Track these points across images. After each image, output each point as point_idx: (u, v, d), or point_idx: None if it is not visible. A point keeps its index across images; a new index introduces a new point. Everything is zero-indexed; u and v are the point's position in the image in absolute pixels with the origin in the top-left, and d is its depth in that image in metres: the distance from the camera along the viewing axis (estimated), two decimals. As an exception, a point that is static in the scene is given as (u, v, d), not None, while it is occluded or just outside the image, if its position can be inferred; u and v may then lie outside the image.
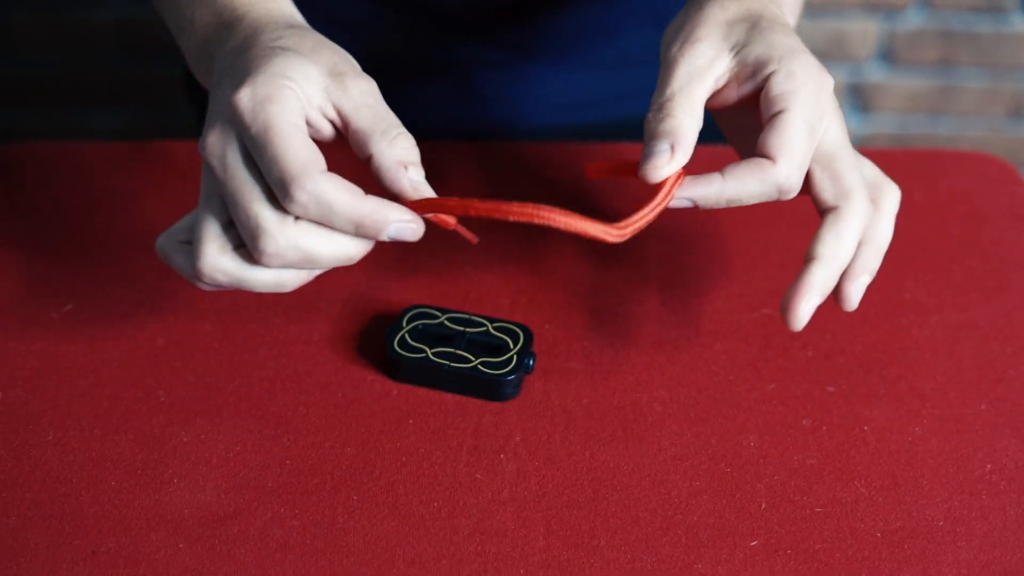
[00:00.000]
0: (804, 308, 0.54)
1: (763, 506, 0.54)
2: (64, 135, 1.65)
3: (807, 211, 0.72)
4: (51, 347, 0.62)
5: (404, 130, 0.53)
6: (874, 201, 0.59)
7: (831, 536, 0.53)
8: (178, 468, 0.55)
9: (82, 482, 0.55)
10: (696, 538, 0.53)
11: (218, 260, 0.52)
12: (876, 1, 1.56)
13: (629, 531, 0.53)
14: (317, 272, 0.53)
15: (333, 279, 0.65)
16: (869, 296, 0.66)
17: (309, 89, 0.52)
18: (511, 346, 0.60)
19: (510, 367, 0.59)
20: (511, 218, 0.50)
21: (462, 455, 0.56)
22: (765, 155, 0.54)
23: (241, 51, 0.54)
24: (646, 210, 0.53)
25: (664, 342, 0.63)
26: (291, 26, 0.57)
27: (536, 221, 0.50)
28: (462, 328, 0.61)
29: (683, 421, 0.58)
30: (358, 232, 0.51)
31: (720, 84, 0.57)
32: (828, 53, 1.61)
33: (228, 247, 0.52)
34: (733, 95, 0.58)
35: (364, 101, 0.53)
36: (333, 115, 0.53)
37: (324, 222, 0.50)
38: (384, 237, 0.51)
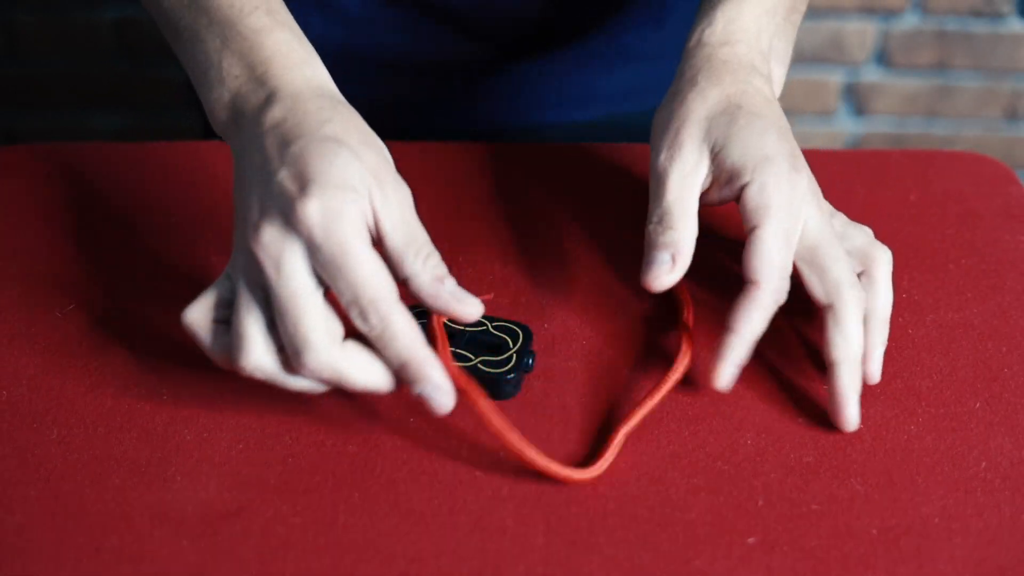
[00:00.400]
0: (852, 412, 0.58)
1: (760, 503, 0.55)
2: (65, 136, 1.65)
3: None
4: (54, 346, 0.62)
5: (432, 247, 0.55)
6: (867, 272, 0.62)
7: (828, 533, 0.53)
8: (181, 466, 0.56)
9: (85, 480, 0.55)
10: (694, 535, 0.53)
11: (261, 360, 0.54)
12: (873, 3, 1.57)
13: (627, 529, 0.53)
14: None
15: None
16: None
17: (364, 203, 0.54)
18: (510, 345, 0.60)
19: (509, 366, 0.59)
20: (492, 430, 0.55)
21: (462, 453, 0.57)
22: (749, 278, 0.58)
23: (289, 137, 0.55)
24: (622, 433, 0.57)
25: (663, 341, 0.64)
26: (324, 95, 0.58)
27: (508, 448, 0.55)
28: (461, 327, 0.61)
29: (681, 419, 0.59)
30: (400, 371, 0.53)
31: (704, 187, 0.62)
32: (825, 54, 1.61)
33: (272, 349, 0.54)
34: (715, 198, 0.62)
35: (401, 216, 0.55)
36: (370, 224, 0.54)
37: (380, 347, 0.53)
38: (415, 390, 0.53)
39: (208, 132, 0.76)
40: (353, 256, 0.52)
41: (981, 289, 0.67)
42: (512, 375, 0.59)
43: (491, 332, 0.61)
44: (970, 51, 1.61)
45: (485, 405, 0.55)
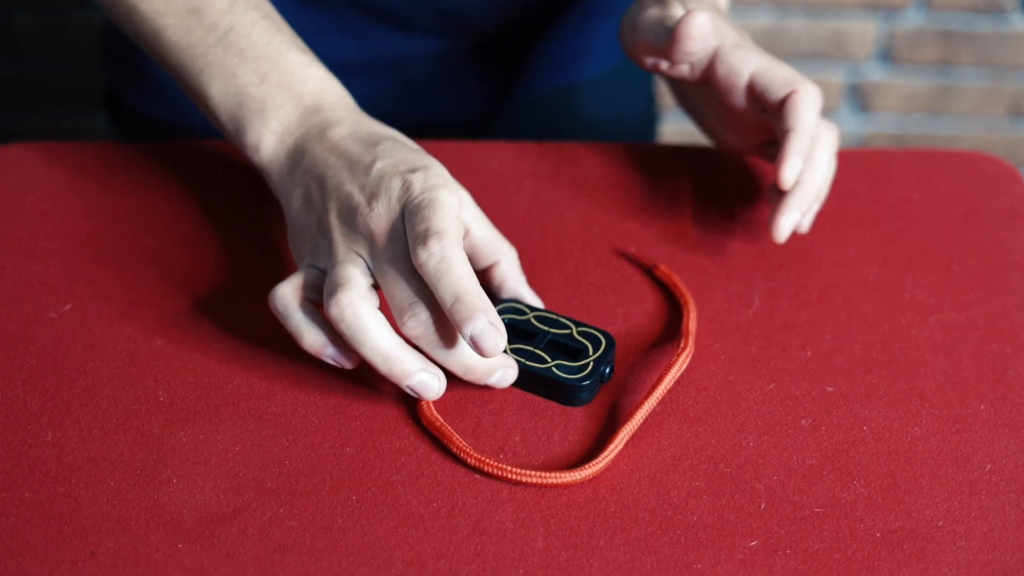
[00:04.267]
0: (788, 221, 0.64)
1: (762, 506, 0.54)
2: (65, 136, 1.65)
3: (806, 211, 0.72)
4: (50, 347, 0.62)
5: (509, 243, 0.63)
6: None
7: (830, 536, 0.53)
8: (177, 468, 0.55)
9: (81, 482, 0.55)
10: (695, 538, 0.53)
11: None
12: (876, 1, 1.57)
13: (628, 531, 0.53)
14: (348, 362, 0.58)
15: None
16: (868, 296, 0.66)
17: (458, 190, 0.59)
18: (590, 352, 0.59)
19: (585, 372, 0.59)
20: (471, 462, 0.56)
21: (461, 455, 0.56)
22: (786, 90, 0.64)
23: (372, 140, 0.61)
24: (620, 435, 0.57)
25: (663, 342, 0.63)
26: (373, 118, 0.64)
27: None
28: (546, 328, 0.61)
29: (682, 421, 0.58)
30: (453, 307, 0.54)
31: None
32: (828, 53, 1.61)
33: (305, 295, 0.58)
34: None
35: (481, 214, 0.62)
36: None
37: (435, 279, 0.54)
38: (466, 330, 0.54)
39: (214, 133, 0.76)
40: (442, 208, 0.56)
41: (985, 289, 0.67)
42: (588, 382, 0.58)
43: (574, 336, 0.60)
44: (974, 49, 1.60)
45: (460, 443, 0.56)
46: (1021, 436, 0.58)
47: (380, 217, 0.57)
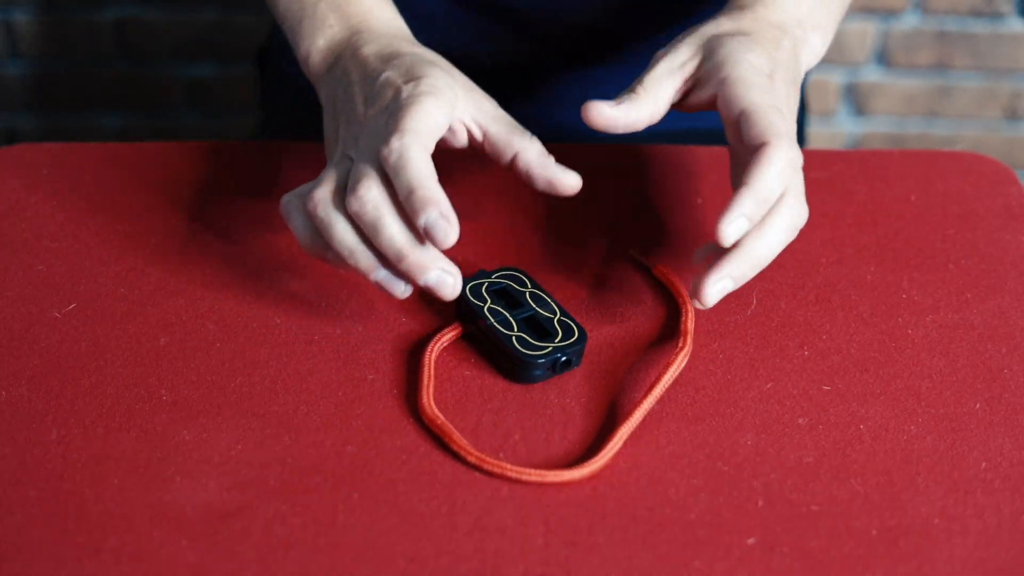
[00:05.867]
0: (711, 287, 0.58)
1: (760, 504, 0.55)
2: (66, 136, 1.65)
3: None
4: (54, 346, 0.62)
5: (532, 134, 0.63)
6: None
7: (827, 534, 0.53)
8: (180, 466, 0.56)
9: (85, 480, 0.55)
10: (693, 536, 0.53)
11: (324, 194, 0.59)
12: (873, 3, 1.57)
13: (627, 529, 0.53)
14: (368, 268, 0.59)
15: (336, 280, 0.66)
16: (865, 295, 0.66)
17: (449, 107, 0.61)
18: (558, 338, 0.61)
19: (540, 353, 0.60)
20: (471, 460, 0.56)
21: (461, 453, 0.57)
22: (758, 142, 0.59)
23: (390, 56, 0.64)
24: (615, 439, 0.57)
25: (662, 342, 0.64)
26: (413, 41, 0.68)
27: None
28: (533, 305, 0.62)
29: (680, 420, 0.59)
30: (407, 199, 0.56)
31: (688, 80, 0.64)
32: (825, 55, 1.61)
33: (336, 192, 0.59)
34: (699, 98, 0.64)
35: (497, 112, 0.64)
36: (471, 124, 0.63)
37: (392, 174, 0.57)
38: (420, 220, 0.55)
39: (213, 133, 0.78)
40: (415, 110, 0.58)
41: (981, 289, 0.67)
42: (539, 362, 0.59)
43: (553, 321, 0.62)
44: (970, 51, 1.61)
45: (460, 441, 0.56)
46: (1016, 435, 0.58)
47: (368, 120, 0.61)
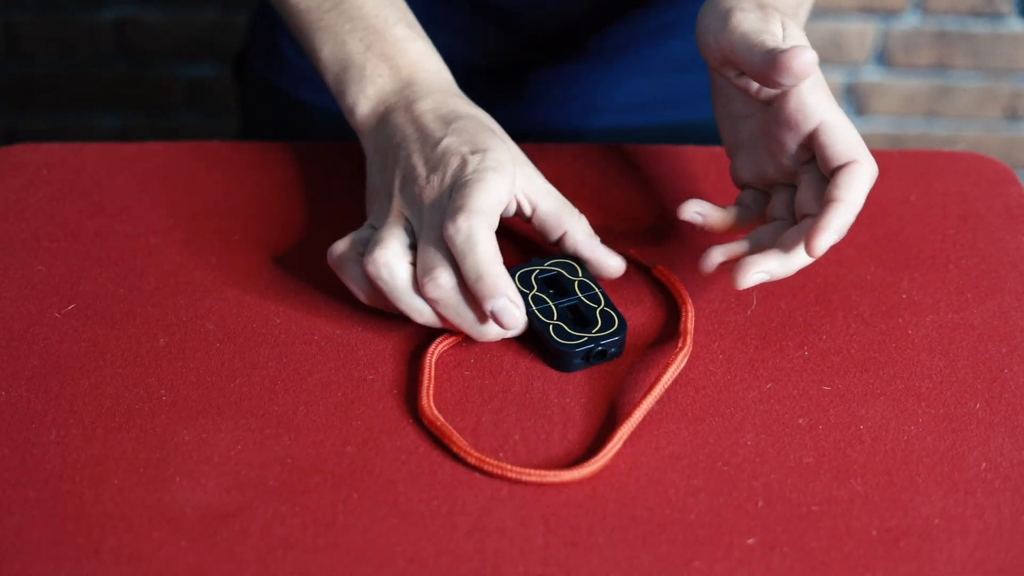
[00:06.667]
0: (825, 241, 0.59)
1: (760, 504, 0.55)
2: (65, 136, 1.65)
3: (804, 212, 0.72)
4: (53, 347, 0.62)
5: (580, 213, 0.65)
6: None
7: (827, 534, 0.53)
8: (180, 466, 0.56)
9: (84, 481, 0.55)
10: (693, 536, 0.53)
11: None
12: (873, 3, 1.57)
13: (627, 529, 0.53)
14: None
15: (336, 280, 0.66)
16: (865, 295, 0.66)
17: (510, 180, 0.61)
18: (596, 328, 0.61)
19: (577, 343, 0.60)
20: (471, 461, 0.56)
21: (461, 453, 0.57)
22: (845, 159, 0.60)
23: (449, 118, 0.64)
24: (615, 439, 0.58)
25: (661, 342, 0.64)
26: (461, 96, 0.68)
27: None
28: (579, 293, 0.63)
29: (680, 420, 0.59)
30: (474, 285, 0.58)
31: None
32: (825, 55, 1.61)
33: (356, 251, 0.62)
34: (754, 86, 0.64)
35: (549, 188, 0.65)
36: (522, 199, 0.64)
37: (459, 256, 0.58)
38: (488, 306, 0.58)
39: (213, 133, 0.78)
40: (484, 188, 0.59)
41: (981, 289, 0.67)
42: (576, 351, 0.60)
43: (596, 311, 0.62)
44: (970, 51, 1.61)
45: (460, 442, 0.56)
46: (1016, 435, 0.58)
47: (433, 189, 0.61)
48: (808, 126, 0.61)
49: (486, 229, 0.58)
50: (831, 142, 0.60)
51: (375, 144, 0.67)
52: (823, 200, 0.60)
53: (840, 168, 0.60)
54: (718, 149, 0.77)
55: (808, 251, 0.59)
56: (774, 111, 0.63)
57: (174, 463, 0.56)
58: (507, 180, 0.61)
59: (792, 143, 0.62)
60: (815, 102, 0.61)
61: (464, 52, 0.87)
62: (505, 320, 0.58)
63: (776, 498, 0.55)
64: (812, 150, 0.62)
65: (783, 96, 0.62)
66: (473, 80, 0.89)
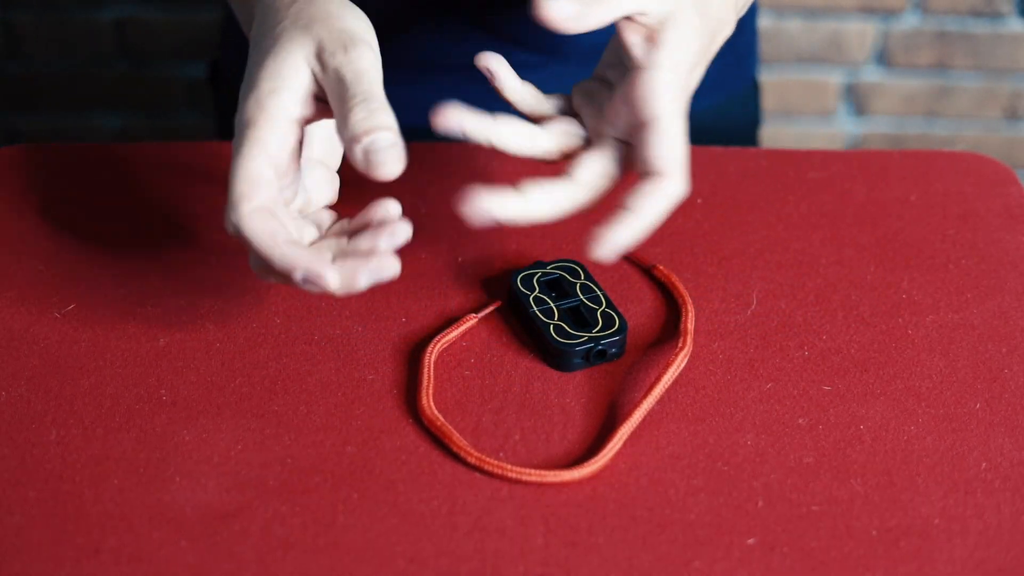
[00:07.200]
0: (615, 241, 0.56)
1: (760, 504, 0.55)
2: (66, 136, 1.65)
3: (805, 211, 0.72)
4: (53, 347, 0.62)
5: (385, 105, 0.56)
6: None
7: (827, 534, 0.53)
8: (180, 466, 0.56)
9: (84, 481, 0.55)
10: (694, 536, 0.53)
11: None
12: (873, 3, 1.57)
13: (627, 529, 0.53)
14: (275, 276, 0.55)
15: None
16: (865, 296, 0.66)
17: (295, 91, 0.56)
18: (597, 328, 0.62)
19: (577, 342, 0.61)
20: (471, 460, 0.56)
21: (461, 453, 0.57)
22: (654, 170, 0.56)
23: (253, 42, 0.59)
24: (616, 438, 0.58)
25: (661, 342, 0.64)
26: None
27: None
28: (581, 295, 0.63)
29: (681, 420, 0.59)
30: (274, 273, 0.54)
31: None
32: (825, 55, 1.61)
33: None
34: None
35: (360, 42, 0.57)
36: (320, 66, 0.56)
37: (248, 249, 0.54)
38: (297, 280, 0.53)
39: (213, 133, 0.77)
40: (242, 166, 0.55)
41: (981, 289, 0.67)
42: (576, 349, 0.60)
43: (596, 312, 0.63)
44: (970, 51, 1.61)
45: (460, 442, 0.56)
46: (1016, 435, 0.58)
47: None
48: (642, 114, 0.57)
49: (252, 213, 0.54)
50: (652, 144, 0.56)
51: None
52: (617, 204, 0.56)
53: (648, 176, 0.56)
54: (718, 149, 0.77)
55: (590, 256, 0.55)
56: (629, 79, 0.59)
57: (174, 463, 0.56)
58: (269, 129, 0.55)
59: (622, 118, 0.58)
60: (661, 98, 0.56)
61: (440, 51, 0.87)
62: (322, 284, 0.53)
63: (776, 498, 0.55)
64: (633, 137, 0.58)
65: (639, 71, 0.57)
66: (453, 80, 0.89)
